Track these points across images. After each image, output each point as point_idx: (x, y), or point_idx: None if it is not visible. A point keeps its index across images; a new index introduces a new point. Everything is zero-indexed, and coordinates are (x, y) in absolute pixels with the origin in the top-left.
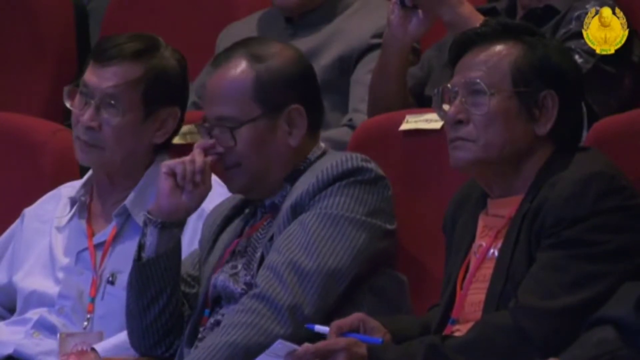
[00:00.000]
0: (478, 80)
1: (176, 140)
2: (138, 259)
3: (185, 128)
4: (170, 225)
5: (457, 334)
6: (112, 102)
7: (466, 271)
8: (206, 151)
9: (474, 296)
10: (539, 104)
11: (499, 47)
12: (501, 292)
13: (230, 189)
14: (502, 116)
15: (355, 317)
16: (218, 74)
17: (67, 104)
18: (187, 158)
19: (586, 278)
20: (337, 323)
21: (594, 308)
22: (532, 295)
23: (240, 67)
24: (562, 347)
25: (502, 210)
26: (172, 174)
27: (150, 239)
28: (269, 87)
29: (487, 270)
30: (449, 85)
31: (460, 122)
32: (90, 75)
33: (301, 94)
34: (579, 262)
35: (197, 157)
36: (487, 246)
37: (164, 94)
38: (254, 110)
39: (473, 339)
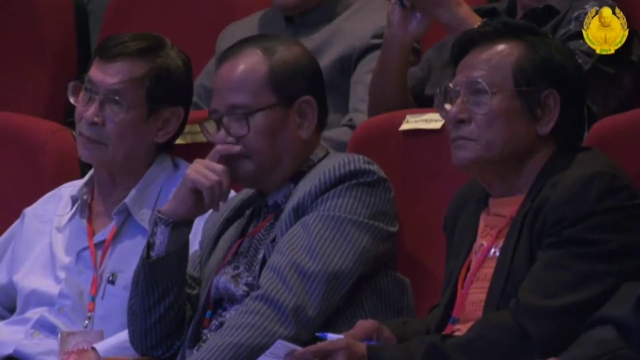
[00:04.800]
0: (480, 80)
1: (177, 140)
2: (147, 257)
3: (186, 128)
4: (180, 224)
5: (457, 333)
6: (117, 98)
7: (467, 270)
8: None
9: (474, 295)
10: (541, 104)
11: (501, 47)
12: (502, 292)
13: (236, 177)
14: (503, 115)
15: (370, 326)
16: (230, 65)
17: (72, 100)
18: (213, 178)
19: (587, 277)
20: (351, 333)
21: (594, 307)
22: (533, 295)
23: (254, 57)
24: (562, 346)
25: (503, 210)
26: (197, 189)
27: (161, 237)
28: (283, 76)
29: (488, 269)
30: (450, 84)
31: (462, 122)
32: (95, 71)
33: (312, 85)
34: (579, 262)
35: (224, 178)
36: (488, 246)
37: (167, 93)
38: (269, 98)
39: (473, 338)
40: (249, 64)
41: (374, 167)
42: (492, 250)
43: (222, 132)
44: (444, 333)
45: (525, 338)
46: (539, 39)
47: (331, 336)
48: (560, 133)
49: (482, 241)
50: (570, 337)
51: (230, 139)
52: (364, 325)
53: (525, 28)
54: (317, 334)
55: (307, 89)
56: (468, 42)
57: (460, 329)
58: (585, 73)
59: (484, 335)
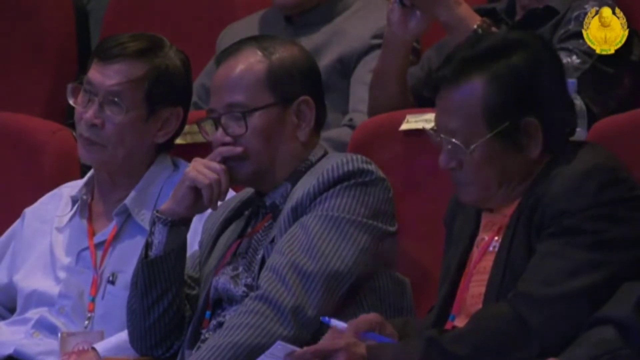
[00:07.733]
0: (454, 140)
1: (177, 140)
2: (145, 257)
3: (185, 128)
4: (179, 223)
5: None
6: (116, 99)
7: (466, 265)
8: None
9: (475, 289)
10: (522, 132)
11: (467, 87)
12: (500, 284)
13: (234, 179)
14: (487, 161)
15: (373, 319)
16: (229, 64)
17: (71, 101)
18: (212, 176)
19: (585, 266)
20: (354, 323)
21: (592, 296)
22: (531, 283)
23: (253, 57)
24: (560, 334)
25: (505, 209)
26: (196, 187)
27: (159, 237)
28: (281, 76)
29: (488, 262)
30: (434, 128)
31: (454, 169)
32: (94, 73)
33: (310, 86)
34: (578, 250)
35: (223, 178)
36: (489, 240)
37: (166, 93)
38: (267, 97)
39: (471, 329)
40: (248, 63)
41: (372, 167)
42: (492, 244)
43: (220, 131)
44: (444, 329)
45: (524, 326)
46: (503, 63)
47: (335, 322)
48: (551, 145)
49: (483, 235)
50: (569, 324)
51: (227, 138)
52: (367, 317)
53: (486, 55)
54: (320, 318)
55: (305, 89)
56: (436, 83)
57: (461, 322)
58: (562, 67)
59: (482, 326)
